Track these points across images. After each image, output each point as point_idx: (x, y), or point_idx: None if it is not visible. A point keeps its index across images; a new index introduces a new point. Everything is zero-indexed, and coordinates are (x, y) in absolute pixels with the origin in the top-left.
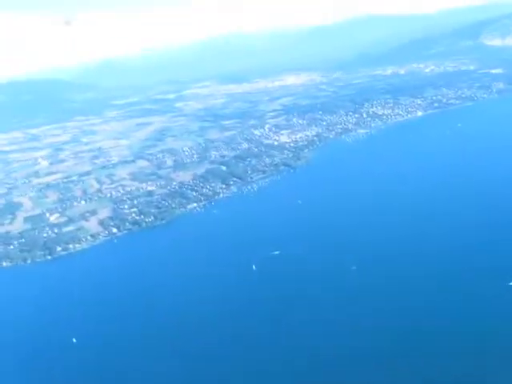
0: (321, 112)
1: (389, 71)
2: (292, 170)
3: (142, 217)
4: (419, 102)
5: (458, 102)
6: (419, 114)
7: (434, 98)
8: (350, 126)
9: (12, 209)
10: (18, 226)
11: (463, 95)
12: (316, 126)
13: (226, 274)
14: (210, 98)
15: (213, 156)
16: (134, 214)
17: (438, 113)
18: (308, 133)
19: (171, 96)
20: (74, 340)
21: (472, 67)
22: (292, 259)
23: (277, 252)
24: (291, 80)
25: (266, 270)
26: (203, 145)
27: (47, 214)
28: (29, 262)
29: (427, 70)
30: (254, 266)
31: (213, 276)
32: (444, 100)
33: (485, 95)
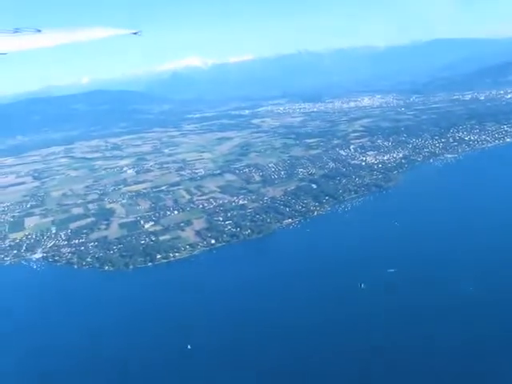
0: (405, 135)
1: (468, 96)
2: (384, 191)
3: (239, 230)
4: (506, 129)
5: None
6: (508, 140)
7: None
8: (437, 150)
9: (106, 215)
10: (114, 231)
11: None
12: (402, 148)
13: (332, 291)
14: (287, 116)
15: (300, 173)
16: (229, 227)
17: None
18: (395, 155)
19: (246, 112)
20: (189, 347)
21: None
22: (404, 278)
23: (392, 270)
24: (366, 101)
25: (376, 288)
26: (288, 162)
27: (142, 222)
28: (131, 267)
29: (508, 97)
30: (362, 285)
31: (319, 293)
32: None
33: None
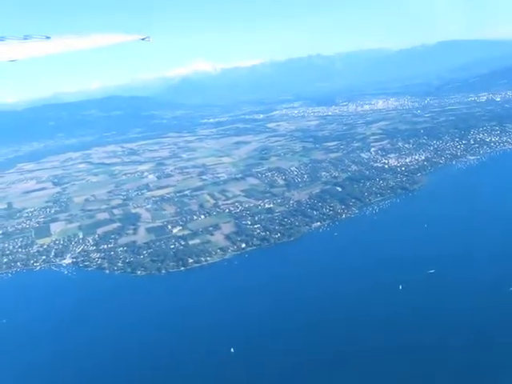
0: (425, 137)
1: (483, 98)
2: (410, 194)
3: (268, 233)
4: None
5: None
6: None
7: None
8: (458, 152)
9: (132, 219)
10: (141, 236)
11: None
12: (423, 151)
13: (370, 293)
14: (302, 120)
15: (324, 177)
16: (259, 230)
17: None
18: (417, 157)
19: (260, 116)
20: (232, 350)
21: None
22: (444, 279)
23: (432, 271)
24: (381, 104)
25: (416, 290)
26: (310, 165)
27: (169, 227)
28: (163, 272)
29: None
30: (400, 286)
31: (357, 295)
32: None
33: None
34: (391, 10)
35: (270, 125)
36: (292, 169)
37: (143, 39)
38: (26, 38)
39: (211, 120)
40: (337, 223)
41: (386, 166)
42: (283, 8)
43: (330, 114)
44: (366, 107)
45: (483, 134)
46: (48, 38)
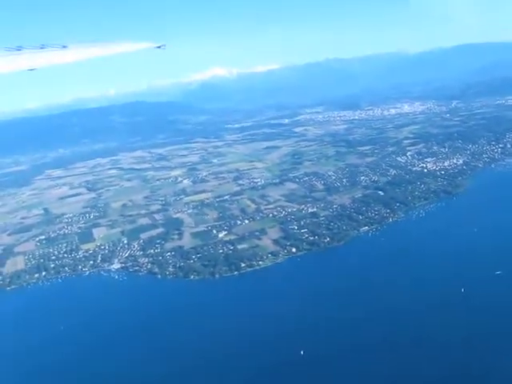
0: (460, 141)
1: (511, 101)
2: (454, 198)
3: (317, 238)
4: None
5: None
6: None
7: None
8: (496, 155)
9: (175, 224)
10: (187, 241)
11: None
12: (460, 154)
13: (430, 298)
14: (329, 124)
15: (363, 181)
16: (306, 235)
17: None
18: (455, 161)
19: (286, 121)
20: (302, 352)
21: None
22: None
23: (498, 272)
24: (407, 108)
25: (483, 292)
26: (347, 169)
27: (214, 231)
28: (217, 276)
29: None
30: (462, 289)
31: (416, 300)
32: None
33: None
34: (408, 13)
35: (296, 129)
36: (329, 173)
37: (158, 47)
38: (42, 47)
39: (236, 125)
40: (385, 227)
41: (425, 170)
42: (297, 12)
43: (356, 118)
44: (392, 111)
45: None
46: (65, 46)
